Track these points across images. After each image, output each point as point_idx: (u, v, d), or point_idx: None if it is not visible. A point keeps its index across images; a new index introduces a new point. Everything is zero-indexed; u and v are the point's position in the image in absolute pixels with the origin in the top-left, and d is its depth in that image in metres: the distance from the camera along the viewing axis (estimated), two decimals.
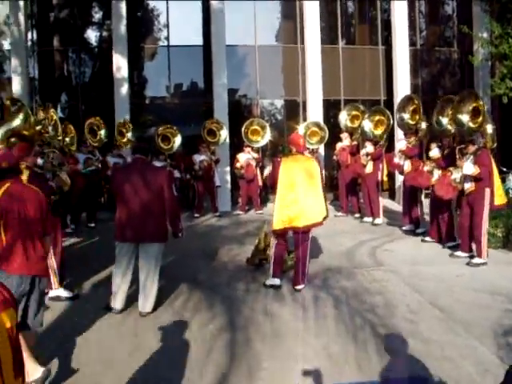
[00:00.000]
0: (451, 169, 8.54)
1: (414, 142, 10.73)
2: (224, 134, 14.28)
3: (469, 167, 8.16)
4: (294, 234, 7.11)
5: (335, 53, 16.92)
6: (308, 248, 7.09)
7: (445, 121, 9.41)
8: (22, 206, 4.24)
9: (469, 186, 8.28)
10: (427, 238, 9.88)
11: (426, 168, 9.40)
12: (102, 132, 12.86)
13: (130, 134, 13.54)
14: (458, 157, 8.57)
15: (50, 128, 7.54)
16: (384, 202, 13.10)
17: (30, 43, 16.03)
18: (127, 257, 6.06)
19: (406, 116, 10.95)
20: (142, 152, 6.35)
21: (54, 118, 7.76)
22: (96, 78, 16.71)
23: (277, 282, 7.00)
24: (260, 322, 5.78)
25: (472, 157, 8.25)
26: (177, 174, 13.48)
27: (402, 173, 11.06)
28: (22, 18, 15.16)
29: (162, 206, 6.08)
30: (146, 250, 6.05)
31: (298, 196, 6.89)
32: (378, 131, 12.21)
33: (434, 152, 9.78)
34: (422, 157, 10.68)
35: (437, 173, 9.06)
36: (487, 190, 8.12)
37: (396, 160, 10.62)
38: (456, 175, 8.36)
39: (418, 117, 10.63)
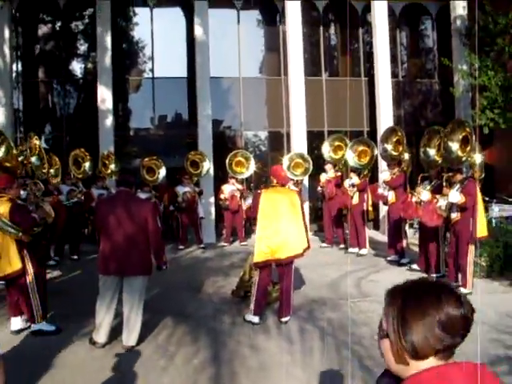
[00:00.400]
0: (437, 196, 8.59)
1: (397, 173, 10.79)
2: (207, 166, 14.29)
3: (455, 195, 8.19)
4: (276, 266, 7.07)
5: (318, 84, 17.07)
6: (292, 279, 7.05)
7: (432, 152, 9.47)
8: None
9: (454, 216, 8.33)
10: (414, 266, 9.88)
11: (414, 199, 9.44)
12: (87, 164, 12.84)
13: (113, 166, 13.51)
14: (444, 185, 8.61)
15: (34, 158, 7.46)
16: (369, 232, 13.10)
17: (14, 74, 15.99)
18: (111, 290, 5.98)
19: (390, 147, 11.04)
20: (126, 184, 6.32)
21: (38, 146, 7.69)
22: (80, 110, 16.71)
23: (255, 319, 6.87)
24: (245, 355, 5.70)
25: (459, 185, 8.30)
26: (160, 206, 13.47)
27: (386, 203, 11.13)
28: (7, 49, 15.14)
29: (146, 238, 6.04)
30: (129, 283, 5.97)
31: (280, 227, 6.84)
32: (363, 162, 12.27)
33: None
34: (406, 187, 10.73)
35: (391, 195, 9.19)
36: (471, 221, 8.16)
37: (380, 191, 10.67)
38: (442, 203, 8.40)
39: (401, 148, 10.71)
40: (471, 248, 8.25)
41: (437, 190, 9.06)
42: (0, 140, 6.80)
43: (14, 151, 6.82)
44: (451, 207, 8.35)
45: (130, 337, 5.98)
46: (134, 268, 5.93)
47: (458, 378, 1.45)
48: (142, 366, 5.45)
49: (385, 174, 11.32)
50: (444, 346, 1.49)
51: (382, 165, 13.39)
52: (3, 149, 6.64)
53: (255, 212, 7.03)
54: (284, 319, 6.90)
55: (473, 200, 8.14)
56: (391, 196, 10.36)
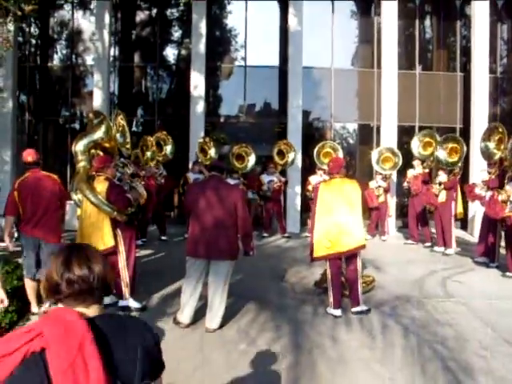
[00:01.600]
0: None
1: (497, 173, 10.43)
2: (291, 157, 14.29)
3: None
4: (345, 258, 7.05)
5: (412, 78, 16.73)
6: (358, 271, 7.00)
7: None
8: None
9: None
10: (508, 274, 9.54)
11: (500, 197, 9.17)
12: (168, 148, 13.09)
13: (212, 151, 13.70)
14: None
15: (118, 135, 7.65)
16: (456, 232, 12.78)
17: (111, 59, 16.55)
18: (198, 272, 6.14)
19: (491, 145, 10.65)
20: (217, 170, 6.46)
21: (122, 123, 7.88)
22: (173, 95, 17.12)
23: (337, 313, 6.86)
24: (326, 346, 5.73)
25: None
26: (250, 194, 13.62)
27: (483, 204, 10.75)
28: (106, 34, 15.70)
29: (234, 223, 6.15)
30: (216, 267, 6.11)
31: (338, 219, 6.81)
32: (453, 159, 11.98)
33: None
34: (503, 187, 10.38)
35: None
36: None
37: (477, 191, 10.31)
38: None
39: (503, 146, 10.33)
40: None
41: None
42: (100, 120, 7.05)
43: (113, 132, 7.06)
44: None
45: (213, 319, 6.12)
46: (222, 252, 6.06)
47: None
48: (223, 349, 5.57)
49: (484, 173, 10.99)
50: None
51: (476, 163, 13.03)
52: (103, 129, 6.88)
53: (314, 205, 7.02)
54: (355, 309, 6.91)
55: None
56: (488, 196, 9.93)
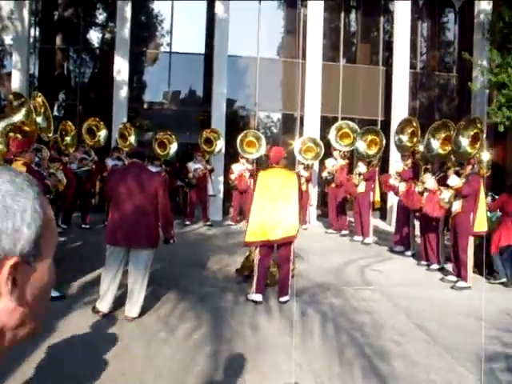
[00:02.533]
0: (441, 188, 8.63)
1: (410, 165, 10.76)
2: (220, 145, 14.27)
3: (454, 180, 8.32)
4: (277, 247, 7.13)
5: (335, 70, 16.99)
6: (290, 261, 7.10)
7: (436, 145, 9.46)
8: None
9: (456, 208, 8.37)
10: (422, 262, 9.86)
11: (417, 189, 9.48)
12: (102, 133, 12.83)
13: (132, 138, 13.47)
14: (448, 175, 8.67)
15: (39, 118, 7.37)
16: (375, 222, 13.11)
17: (32, 40, 15.98)
18: (117, 261, 6.03)
19: (405, 138, 10.98)
20: (138, 156, 6.36)
21: (42, 105, 7.56)
22: (96, 79, 16.73)
23: (258, 298, 6.92)
24: (246, 335, 5.76)
25: (464, 179, 8.34)
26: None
27: (396, 194, 11.08)
28: (26, 14, 15.13)
29: (155, 211, 6.09)
30: (136, 255, 6.03)
31: (274, 208, 6.88)
32: (372, 151, 12.28)
33: (455, 181, 8.86)
34: (417, 179, 10.71)
35: (458, 203, 9.18)
36: (471, 215, 8.20)
37: (391, 181, 10.62)
38: (445, 195, 8.45)
39: (415, 139, 10.66)
40: (471, 242, 8.29)
41: (440, 183, 9.13)
42: (21, 102, 6.79)
43: (34, 115, 6.81)
44: (454, 200, 8.39)
45: (132, 308, 6.04)
46: (142, 240, 5.98)
47: None
48: (142, 337, 5.52)
49: (398, 164, 11.31)
50: None
51: (394, 155, 13.39)
52: (23, 112, 6.63)
53: (252, 192, 7.08)
54: (282, 299, 6.97)
55: (470, 190, 8.20)
56: (402, 187, 10.24)
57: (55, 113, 15.84)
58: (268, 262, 7.20)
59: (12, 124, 6.56)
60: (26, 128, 6.66)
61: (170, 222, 6.51)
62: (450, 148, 8.92)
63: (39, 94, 7.81)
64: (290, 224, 6.95)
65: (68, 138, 10.65)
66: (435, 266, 9.39)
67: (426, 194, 9.15)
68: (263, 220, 6.87)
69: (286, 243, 7.01)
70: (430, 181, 8.59)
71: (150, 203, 6.04)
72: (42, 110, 7.53)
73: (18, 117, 6.61)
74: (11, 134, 6.62)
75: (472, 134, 8.51)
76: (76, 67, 16.82)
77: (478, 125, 8.68)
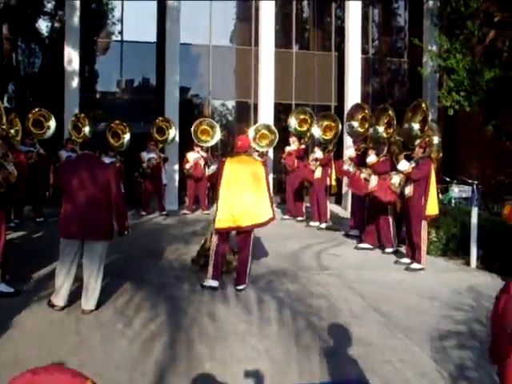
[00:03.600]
0: (392, 173, 8.77)
1: (362, 150, 10.88)
2: (173, 133, 14.22)
3: (404, 164, 8.45)
4: (236, 234, 7.14)
5: (288, 57, 17.05)
6: (250, 248, 7.13)
7: (381, 129, 9.64)
8: None
9: (407, 192, 8.52)
10: (362, 245, 10.01)
11: (362, 175, 9.63)
12: (51, 124, 12.58)
13: (87, 129, 13.25)
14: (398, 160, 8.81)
15: None
16: (330, 206, 13.23)
17: None
18: (71, 254, 5.94)
19: (356, 124, 11.11)
20: (90, 148, 6.27)
21: None
22: (46, 70, 16.41)
23: (214, 283, 6.93)
24: (203, 323, 5.75)
25: (414, 163, 8.48)
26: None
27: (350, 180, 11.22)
28: None
29: (108, 202, 6.01)
30: (90, 248, 5.95)
31: (243, 196, 6.88)
32: (327, 136, 12.38)
33: (371, 158, 9.87)
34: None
35: (374, 179, 9.35)
36: (423, 198, 8.36)
37: (345, 167, 10.71)
38: (396, 179, 8.59)
39: (366, 124, 10.79)
40: (424, 225, 8.46)
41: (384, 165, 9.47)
42: None
43: None
44: (405, 183, 8.54)
45: (88, 301, 5.97)
46: (95, 232, 5.90)
47: None
48: (99, 330, 5.46)
49: (350, 150, 11.42)
50: None
51: (348, 140, 13.52)
52: None
53: (219, 179, 7.05)
54: (239, 287, 6.97)
55: (420, 174, 8.35)
56: (374, 181, 9.83)
57: (5, 104, 15.46)
58: (224, 248, 7.21)
59: None
60: None
61: (124, 214, 6.46)
62: (391, 131, 9.15)
63: None
64: (259, 211, 6.96)
65: (12, 131, 10.41)
66: (389, 250, 9.53)
67: (372, 178, 9.38)
68: (232, 207, 6.85)
69: (249, 231, 7.02)
70: (403, 163, 8.65)
71: (102, 195, 5.96)
72: None
73: None
74: None
75: (421, 118, 8.67)
76: (25, 57, 16.49)
77: (424, 108, 8.85)
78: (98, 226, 5.90)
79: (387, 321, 5.93)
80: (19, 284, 6.87)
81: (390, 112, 9.53)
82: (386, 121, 9.59)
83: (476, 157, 15.97)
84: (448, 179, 13.40)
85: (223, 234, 7.04)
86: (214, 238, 7.10)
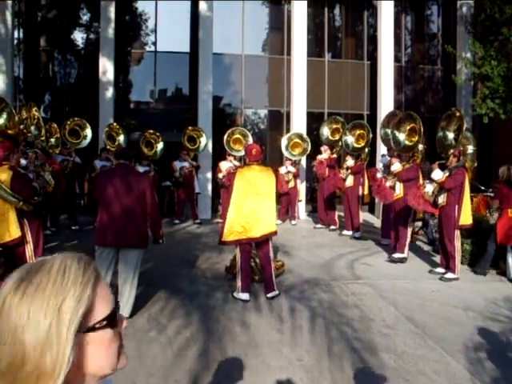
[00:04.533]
0: (425, 181, 8.73)
1: (408, 165, 10.76)
2: (203, 141, 14.29)
3: (437, 173, 8.42)
4: (255, 244, 7.17)
5: (321, 65, 17.04)
6: (271, 256, 7.17)
7: (402, 136, 9.58)
8: None
9: (441, 201, 8.45)
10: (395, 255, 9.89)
11: (388, 183, 9.57)
12: (87, 133, 12.82)
13: (121, 138, 13.44)
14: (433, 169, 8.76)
15: (32, 127, 7.48)
16: (364, 215, 13.17)
17: (16, 42, 15.89)
18: (107, 261, 6.03)
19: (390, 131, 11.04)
20: (125, 157, 6.35)
21: (37, 116, 7.68)
22: (81, 80, 16.65)
23: (244, 296, 6.94)
24: (236, 331, 5.78)
25: (448, 172, 8.42)
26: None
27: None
28: (8, 16, 15.04)
29: (143, 211, 6.09)
30: (125, 256, 6.04)
31: (254, 206, 6.90)
32: (359, 145, 12.34)
33: (396, 166, 9.85)
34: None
35: (398, 187, 9.31)
36: (456, 207, 8.27)
37: (379, 175, 10.66)
38: (429, 188, 8.54)
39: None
40: (457, 234, 8.38)
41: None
42: (1, 107, 6.77)
43: (16, 118, 6.81)
44: (438, 192, 8.48)
45: (124, 308, 6.03)
46: (131, 240, 5.98)
47: None
48: (133, 337, 5.52)
49: (384, 158, 11.37)
50: None
51: (382, 149, 13.45)
52: (5, 116, 6.62)
53: (230, 190, 7.07)
54: (270, 295, 7.00)
55: (453, 184, 8.28)
56: (399, 190, 9.91)
57: (42, 114, 15.74)
58: (249, 260, 7.23)
59: None
60: (10, 131, 6.64)
61: (159, 222, 6.54)
62: (416, 139, 9.07)
63: (33, 104, 7.85)
64: (269, 220, 7.00)
65: (52, 140, 10.66)
66: (398, 255, 9.51)
67: (397, 187, 9.36)
68: (243, 217, 6.88)
69: (265, 240, 7.04)
70: (436, 172, 8.60)
71: (137, 204, 6.04)
72: (35, 122, 7.58)
73: (0, 120, 6.59)
74: None
75: (455, 127, 8.60)
76: (61, 68, 16.75)
77: (459, 117, 8.75)
78: (133, 234, 5.98)
79: (421, 331, 5.87)
80: None
81: (415, 119, 9.44)
82: (408, 128, 9.52)
83: None
84: (483, 188, 13.22)
85: (244, 245, 7.05)
86: (237, 251, 7.13)
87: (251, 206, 6.89)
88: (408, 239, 9.59)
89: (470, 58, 15.04)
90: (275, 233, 7.13)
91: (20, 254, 6.48)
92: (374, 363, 4.96)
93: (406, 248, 9.57)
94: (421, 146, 9.86)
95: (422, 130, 9.19)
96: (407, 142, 9.39)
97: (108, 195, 6.03)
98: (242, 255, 7.03)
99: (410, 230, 9.62)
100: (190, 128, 14.42)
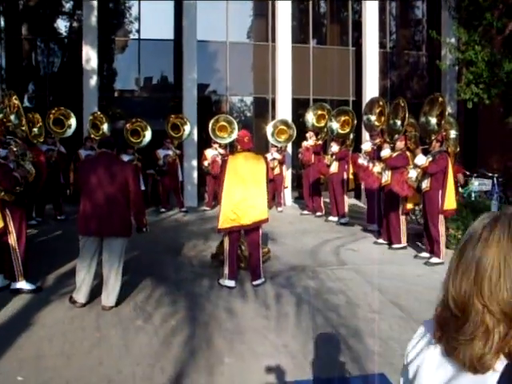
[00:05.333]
0: (408, 167, 8.72)
1: (378, 144, 10.84)
2: (187, 129, 14.20)
3: (421, 158, 8.41)
4: (245, 231, 7.17)
5: (305, 52, 16.99)
6: (260, 244, 7.20)
7: (398, 122, 9.55)
8: None
9: (424, 186, 8.48)
10: (380, 240, 9.96)
11: (375, 169, 9.58)
12: (71, 122, 12.70)
13: (105, 127, 13.35)
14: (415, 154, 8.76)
15: (12, 116, 7.38)
16: (349, 201, 13.21)
17: None
18: (91, 251, 6.02)
19: (373, 117, 11.06)
20: (107, 146, 6.33)
21: (17, 105, 7.59)
22: (65, 69, 16.50)
23: (230, 283, 6.97)
24: (222, 319, 5.80)
25: (431, 157, 8.43)
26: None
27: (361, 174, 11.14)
28: None
29: (126, 200, 6.09)
30: (109, 245, 6.03)
31: (246, 193, 6.90)
32: (344, 131, 12.34)
33: (385, 152, 9.78)
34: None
35: (386, 174, 9.31)
36: (440, 192, 8.31)
37: (360, 161, 10.66)
38: (412, 174, 8.55)
39: (383, 118, 10.73)
40: (441, 219, 8.42)
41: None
42: None
43: None
44: (422, 177, 8.50)
45: (109, 297, 6.04)
46: (114, 229, 5.97)
47: None
48: (119, 326, 5.52)
49: (366, 144, 11.39)
50: None
51: (366, 135, 13.46)
52: None
53: (222, 178, 7.05)
54: (256, 282, 7.03)
55: (437, 168, 8.32)
56: (386, 177, 9.72)
57: (25, 104, 15.60)
58: (237, 247, 7.27)
59: None
60: None
61: (142, 211, 6.56)
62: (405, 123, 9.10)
63: (12, 92, 7.75)
64: (261, 208, 7.00)
65: (35, 129, 10.58)
66: (397, 246, 9.49)
67: (384, 173, 9.37)
68: (235, 205, 6.87)
69: (255, 228, 7.04)
70: (419, 157, 8.60)
71: (120, 192, 6.03)
72: (15, 110, 7.49)
73: None
74: None
75: (437, 112, 8.59)
76: (44, 57, 16.58)
77: (442, 102, 8.75)
78: (116, 223, 5.97)
79: (406, 315, 5.91)
80: (40, 281, 6.99)
81: (402, 104, 9.40)
82: (402, 115, 9.48)
83: (496, 149, 15.80)
84: (468, 173, 13.29)
85: (233, 233, 7.05)
86: (226, 238, 7.12)
87: (243, 193, 6.89)
88: (403, 225, 9.57)
89: (454, 43, 15.04)
90: (266, 220, 7.13)
91: (3, 244, 6.44)
92: (359, 348, 4.98)
93: (403, 235, 9.56)
94: (453, 134, 9.82)
95: (407, 115, 9.16)
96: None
97: (90, 184, 6.00)
98: (230, 242, 7.03)
99: (402, 216, 9.60)
100: (173, 116, 14.33)
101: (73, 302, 6.10)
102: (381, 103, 11.01)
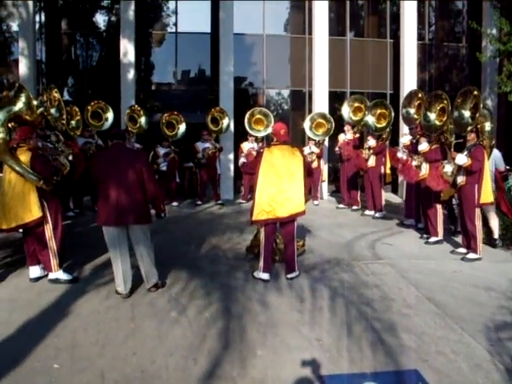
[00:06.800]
0: (444, 162, 8.58)
1: (417, 138, 10.67)
2: (226, 123, 14.26)
3: (461, 158, 8.18)
4: (280, 224, 7.15)
5: (343, 44, 16.89)
6: (295, 237, 7.16)
7: (432, 116, 9.38)
8: None
9: (460, 181, 8.33)
10: (431, 240, 9.66)
11: (414, 163, 9.44)
12: (109, 116, 12.90)
13: (143, 120, 13.54)
14: (451, 150, 8.58)
15: (53, 110, 7.52)
16: (387, 195, 13.09)
17: (37, 26, 15.98)
18: (115, 240, 6.12)
19: (412, 110, 10.88)
20: (118, 137, 6.47)
21: (58, 98, 7.72)
22: (103, 63, 16.72)
23: (265, 276, 6.96)
24: (256, 311, 5.80)
25: (466, 151, 8.27)
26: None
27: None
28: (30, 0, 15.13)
29: (142, 187, 6.17)
30: (133, 232, 6.20)
31: (282, 185, 6.86)
32: (381, 125, 12.20)
33: (423, 146, 9.67)
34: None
35: (424, 167, 9.16)
36: (476, 186, 8.17)
37: (399, 154, 10.53)
38: (448, 168, 8.39)
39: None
40: (478, 213, 8.27)
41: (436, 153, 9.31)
42: (17, 92, 6.77)
43: (34, 103, 6.83)
44: (458, 172, 8.34)
45: (150, 279, 6.37)
46: (132, 217, 6.08)
47: None
48: (154, 317, 5.58)
49: (405, 137, 11.23)
50: None
51: (404, 128, 13.31)
52: (23, 100, 6.64)
53: (257, 170, 7.03)
54: (290, 275, 7.02)
55: (479, 165, 8.11)
56: (425, 170, 9.53)
57: (65, 97, 15.86)
58: (273, 240, 7.26)
59: (14, 113, 6.59)
60: (27, 117, 6.69)
61: (158, 197, 6.68)
62: (445, 119, 8.88)
63: (54, 87, 7.89)
64: (297, 200, 6.96)
65: (73, 122, 10.75)
66: (433, 239, 9.37)
67: (422, 167, 9.21)
68: (271, 197, 6.86)
69: (291, 220, 7.03)
70: (460, 157, 8.44)
71: (135, 181, 6.10)
72: (56, 104, 7.63)
73: (19, 105, 6.63)
74: (12, 124, 6.67)
75: (471, 104, 8.41)
76: (83, 51, 16.83)
77: (475, 94, 8.54)
78: (133, 211, 6.07)
79: (441, 311, 5.84)
80: (77, 271, 7.13)
81: (444, 99, 9.23)
82: (439, 108, 9.32)
83: None
84: (508, 167, 13.03)
85: (269, 226, 7.05)
86: (262, 231, 7.13)
87: (280, 185, 6.87)
88: (440, 219, 9.46)
89: (495, 34, 14.74)
90: (303, 213, 7.09)
91: (39, 234, 6.58)
92: (393, 343, 4.95)
93: (440, 230, 9.44)
94: (488, 126, 9.66)
95: (449, 109, 8.98)
96: (437, 122, 9.18)
97: (105, 175, 6.11)
98: (266, 235, 7.04)
99: (440, 210, 9.48)
100: (214, 109, 14.38)
101: (118, 293, 6.24)
102: (420, 95, 10.82)
